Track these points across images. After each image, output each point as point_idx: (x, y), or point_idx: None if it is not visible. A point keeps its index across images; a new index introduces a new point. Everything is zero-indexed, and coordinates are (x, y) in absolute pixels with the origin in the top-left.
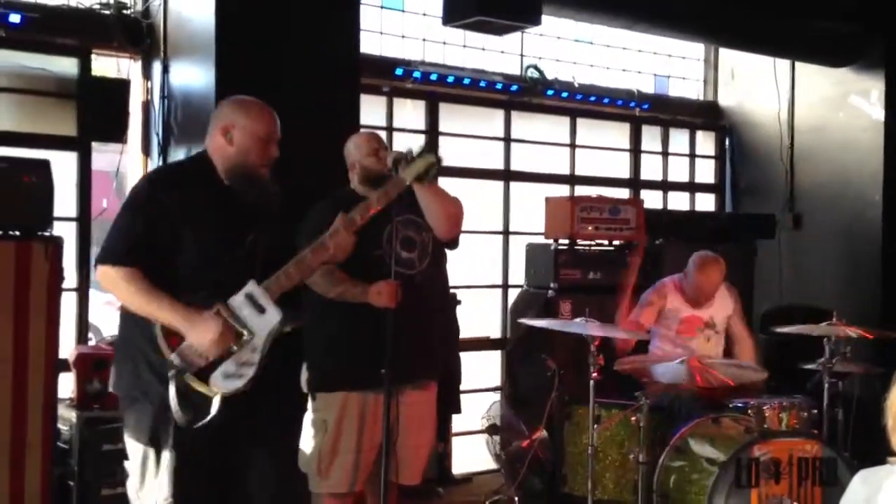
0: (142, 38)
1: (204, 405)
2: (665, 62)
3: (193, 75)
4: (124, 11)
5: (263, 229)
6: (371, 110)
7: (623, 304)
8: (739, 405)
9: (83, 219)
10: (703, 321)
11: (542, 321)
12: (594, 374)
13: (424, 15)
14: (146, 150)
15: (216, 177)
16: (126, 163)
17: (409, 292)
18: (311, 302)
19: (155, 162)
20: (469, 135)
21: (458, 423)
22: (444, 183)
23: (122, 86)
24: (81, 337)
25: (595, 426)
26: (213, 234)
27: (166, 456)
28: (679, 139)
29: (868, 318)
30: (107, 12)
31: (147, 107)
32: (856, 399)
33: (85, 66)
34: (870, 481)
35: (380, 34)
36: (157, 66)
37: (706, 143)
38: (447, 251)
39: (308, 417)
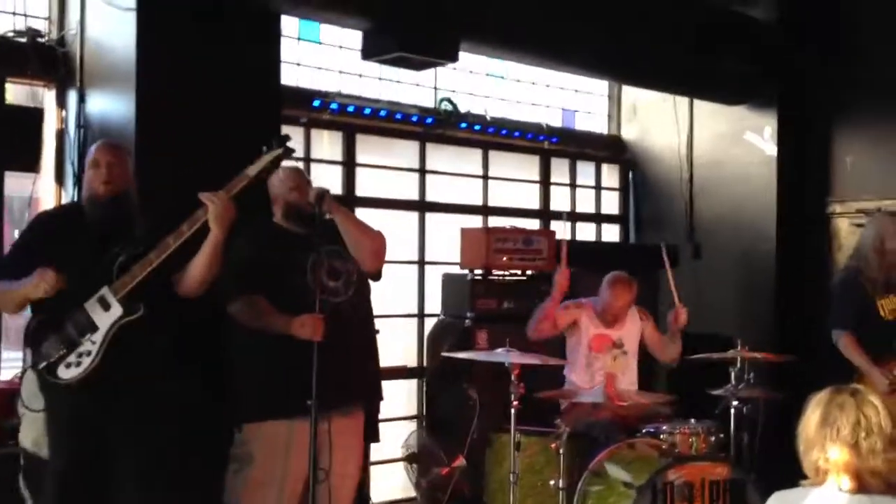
0: (57, 66)
1: (57, 394)
2: (572, 97)
3: (112, 105)
4: (38, 39)
5: (125, 246)
6: None
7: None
8: (651, 430)
9: None
10: (612, 341)
11: (466, 353)
12: (515, 403)
13: (340, 48)
14: (59, 180)
15: (81, 215)
16: (39, 191)
17: (335, 320)
18: (234, 333)
19: (69, 191)
20: (385, 166)
21: (374, 451)
22: (361, 213)
23: (35, 114)
24: None
25: (516, 453)
26: (69, 265)
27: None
28: (586, 171)
29: (764, 343)
30: (21, 40)
31: (61, 135)
32: (760, 423)
33: None
34: (784, 502)
35: (297, 65)
36: (72, 95)
37: (611, 175)
38: (370, 282)
39: (234, 449)
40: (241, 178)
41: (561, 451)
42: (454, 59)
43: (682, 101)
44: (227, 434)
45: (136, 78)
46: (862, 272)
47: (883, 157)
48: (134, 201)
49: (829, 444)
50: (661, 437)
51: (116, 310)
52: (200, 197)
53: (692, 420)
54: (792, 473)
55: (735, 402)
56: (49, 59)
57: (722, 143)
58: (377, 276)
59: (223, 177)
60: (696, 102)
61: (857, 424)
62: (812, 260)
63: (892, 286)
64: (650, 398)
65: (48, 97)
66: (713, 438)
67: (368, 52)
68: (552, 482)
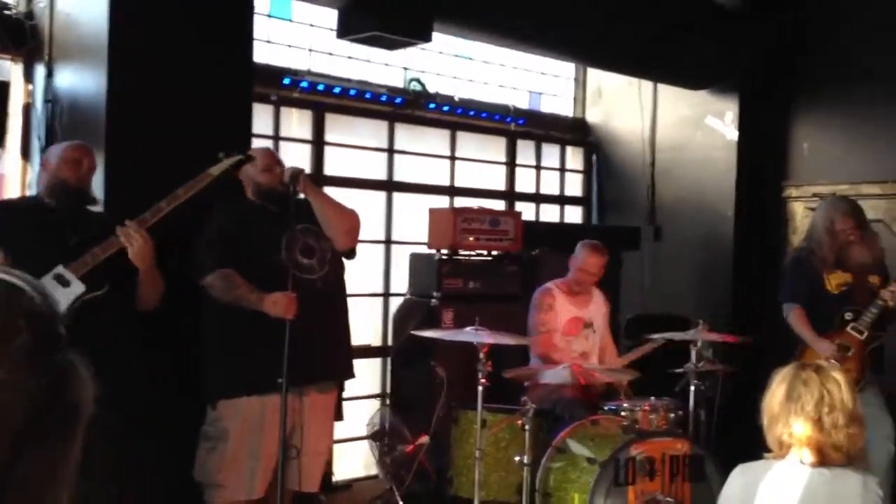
0: (24, 39)
1: None
2: (538, 79)
3: (82, 79)
4: (6, 12)
5: (80, 230)
6: (258, 119)
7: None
8: (613, 407)
9: None
10: (583, 322)
11: (436, 331)
12: (483, 381)
13: (311, 25)
14: (26, 154)
15: (41, 204)
16: (4, 167)
17: (310, 297)
18: (209, 308)
19: (35, 166)
20: (354, 145)
21: (337, 429)
22: (329, 192)
23: (1, 88)
24: None
25: (482, 430)
26: (26, 255)
27: None
28: (550, 153)
29: (721, 323)
30: None
31: (28, 110)
32: (717, 399)
33: None
34: (748, 473)
35: (267, 42)
36: (40, 69)
37: (575, 158)
38: (344, 261)
39: (207, 426)
40: (204, 175)
41: (526, 427)
42: (428, 39)
43: (647, 85)
44: (199, 411)
45: (108, 52)
46: (813, 252)
47: (838, 144)
48: (92, 195)
49: (793, 419)
50: (623, 413)
51: (77, 287)
52: (119, 235)
53: (652, 397)
54: (746, 448)
55: (695, 380)
56: (16, 32)
57: (685, 128)
58: (351, 255)
59: (193, 152)
60: (660, 87)
61: (821, 400)
62: (768, 242)
63: (841, 264)
64: (614, 375)
65: (15, 71)
66: (672, 415)
67: (344, 31)
68: (517, 458)
